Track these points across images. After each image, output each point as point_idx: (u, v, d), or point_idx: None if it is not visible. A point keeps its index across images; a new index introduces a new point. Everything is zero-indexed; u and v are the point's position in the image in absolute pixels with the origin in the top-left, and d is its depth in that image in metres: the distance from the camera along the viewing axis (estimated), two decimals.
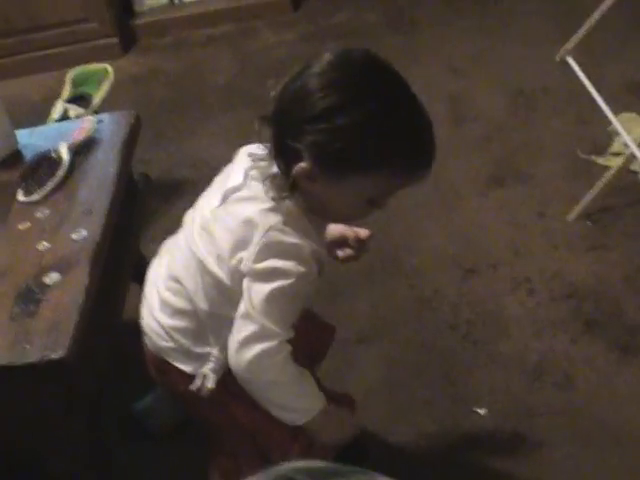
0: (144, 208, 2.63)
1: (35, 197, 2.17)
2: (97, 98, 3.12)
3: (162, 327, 1.80)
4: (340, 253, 1.92)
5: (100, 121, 2.42)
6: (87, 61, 4.13)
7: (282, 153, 1.57)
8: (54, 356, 1.73)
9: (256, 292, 1.58)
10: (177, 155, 3.63)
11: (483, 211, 3.04)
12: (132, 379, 2.45)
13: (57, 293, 1.89)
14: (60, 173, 2.21)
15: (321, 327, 2.14)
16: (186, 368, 1.80)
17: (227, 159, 3.50)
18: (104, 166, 2.26)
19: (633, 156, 2.64)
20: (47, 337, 1.78)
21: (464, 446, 2.35)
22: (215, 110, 3.88)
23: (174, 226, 3.18)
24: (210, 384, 1.76)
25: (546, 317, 2.63)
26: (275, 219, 1.58)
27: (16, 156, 2.39)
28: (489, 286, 2.76)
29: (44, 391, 1.84)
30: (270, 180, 1.60)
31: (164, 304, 1.79)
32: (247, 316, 1.60)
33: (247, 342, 1.60)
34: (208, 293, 1.71)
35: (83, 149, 2.32)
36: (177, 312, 1.77)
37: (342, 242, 1.91)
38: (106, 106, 3.20)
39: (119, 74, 4.03)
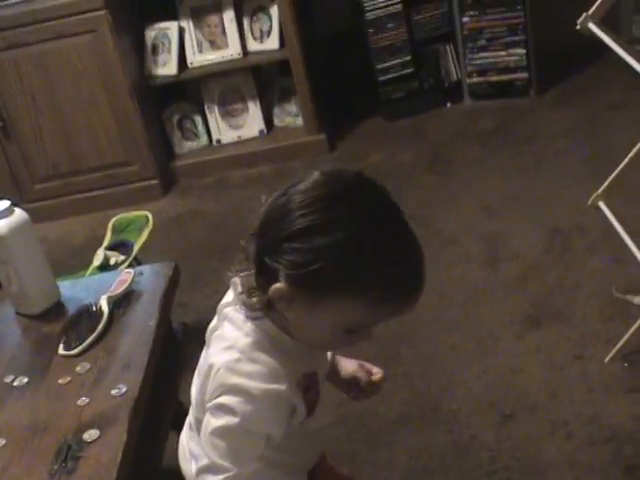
0: (182, 357, 2.66)
1: (75, 351, 2.21)
2: (138, 245, 3.19)
3: (192, 476, 1.81)
4: (351, 395, 1.88)
5: (140, 273, 2.47)
6: (128, 202, 4.27)
7: (261, 271, 1.50)
8: None
9: (206, 426, 1.58)
10: (215, 298, 3.58)
11: (520, 354, 3.05)
12: None
13: (96, 450, 1.90)
14: (100, 327, 2.26)
15: None
16: None
17: None
18: (143, 319, 2.30)
19: None
20: None
21: None
22: None
23: None
24: None
25: (585, 462, 2.61)
26: (228, 357, 1.54)
27: (59, 308, 2.44)
28: (527, 431, 2.74)
29: None
30: (246, 297, 1.55)
31: (190, 453, 1.80)
32: (202, 448, 1.60)
33: (200, 473, 1.60)
34: None
35: (123, 302, 2.37)
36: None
37: (355, 382, 1.87)
38: (146, 248, 3.27)
39: (159, 215, 4.14)
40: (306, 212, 1.43)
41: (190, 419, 1.80)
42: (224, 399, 1.54)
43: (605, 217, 3.07)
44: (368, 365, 1.88)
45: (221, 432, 1.55)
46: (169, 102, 4.86)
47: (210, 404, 1.57)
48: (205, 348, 1.71)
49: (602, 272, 3.34)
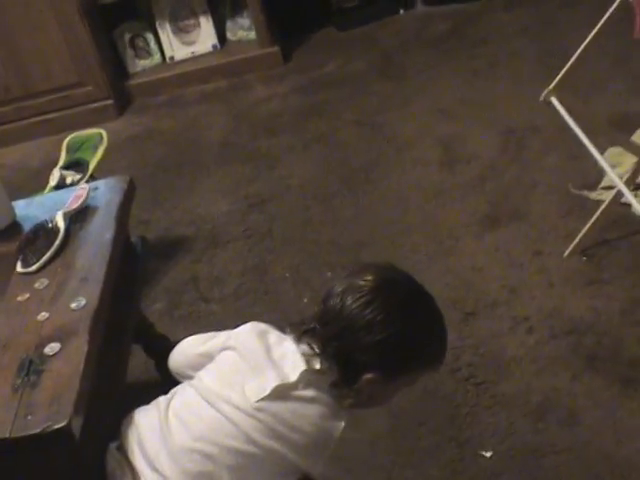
0: (143, 270, 2.66)
1: (33, 268, 2.20)
2: (93, 163, 3.16)
3: None
4: None
5: (95, 188, 2.45)
6: (83, 124, 4.22)
7: (347, 365, 1.80)
8: (57, 426, 1.75)
9: None
10: (175, 213, 3.67)
11: (479, 253, 3.07)
12: None
13: (58, 363, 1.91)
14: (57, 242, 2.25)
15: None
16: None
17: (224, 214, 3.55)
18: (100, 232, 2.29)
19: (622, 191, 2.66)
20: (49, 407, 1.80)
21: None
22: (211, 166, 3.93)
23: (175, 285, 3.24)
24: None
25: (547, 355, 2.65)
26: (340, 424, 1.81)
27: (14, 227, 2.43)
28: (488, 327, 2.78)
29: (48, 461, 1.85)
30: (333, 388, 1.82)
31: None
32: None
33: None
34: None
35: (79, 217, 2.35)
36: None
37: None
38: (103, 169, 3.24)
39: (115, 135, 4.10)
40: (388, 322, 1.79)
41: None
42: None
43: (559, 115, 3.07)
44: None
45: None
46: (120, 21, 4.79)
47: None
48: (255, 393, 1.83)
49: (558, 169, 3.36)
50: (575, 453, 2.37)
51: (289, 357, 1.85)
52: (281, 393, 1.80)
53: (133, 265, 2.54)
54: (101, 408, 2.04)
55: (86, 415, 1.84)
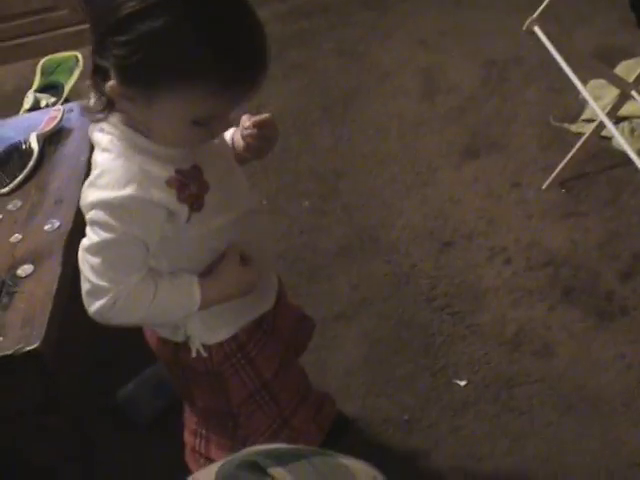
0: None
1: (6, 189, 2.18)
2: (68, 86, 3.12)
3: None
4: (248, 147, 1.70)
5: (70, 110, 2.42)
6: (59, 49, 4.13)
7: (96, 72, 1.45)
8: (28, 347, 1.74)
9: (80, 248, 1.53)
10: None
11: (458, 184, 3.05)
12: (117, 366, 2.47)
13: (31, 284, 1.89)
14: (30, 164, 2.22)
15: (302, 319, 2.09)
16: (175, 337, 1.74)
17: None
18: (74, 155, 2.26)
19: (603, 124, 2.64)
20: (21, 329, 1.78)
21: (445, 418, 2.36)
22: None
23: None
24: (198, 344, 1.71)
25: (523, 286, 2.65)
26: (91, 176, 1.50)
27: None
28: (465, 258, 2.77)
29: (21, 384, 1.84)
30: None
31: None
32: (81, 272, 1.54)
33: (85, 300, 1.54)
34: None
35: (54, 139, 2.32)
36: None
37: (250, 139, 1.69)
38: (79, 92, 3.19)
39: (91, 60, 4.02)
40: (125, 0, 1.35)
41: None
42: (91, 214, 1.49)
43: (542, 47, 3.04)
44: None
45: (95, 249, 1.50)
46: None
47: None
48: None
49: (539, 101, 3.33)
50: (548, 383, 2.38)
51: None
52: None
53: None
54: (75, 331, 2.02)
55: (59, 339, 1.82)
